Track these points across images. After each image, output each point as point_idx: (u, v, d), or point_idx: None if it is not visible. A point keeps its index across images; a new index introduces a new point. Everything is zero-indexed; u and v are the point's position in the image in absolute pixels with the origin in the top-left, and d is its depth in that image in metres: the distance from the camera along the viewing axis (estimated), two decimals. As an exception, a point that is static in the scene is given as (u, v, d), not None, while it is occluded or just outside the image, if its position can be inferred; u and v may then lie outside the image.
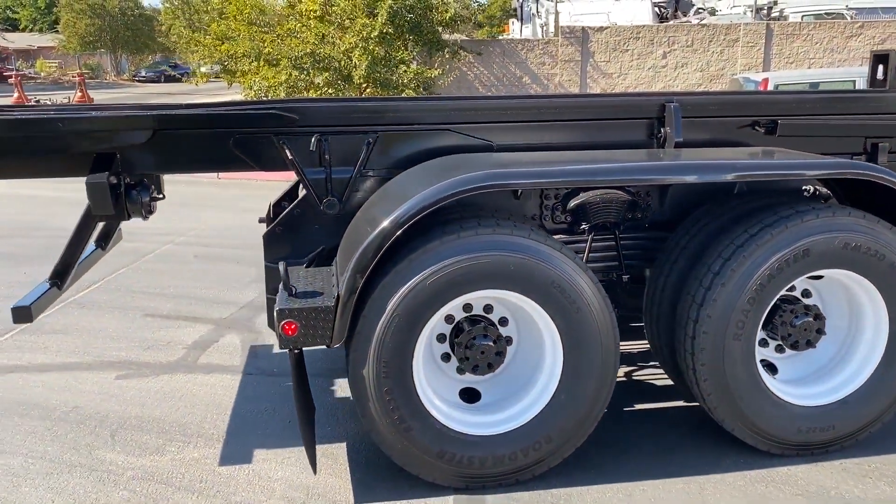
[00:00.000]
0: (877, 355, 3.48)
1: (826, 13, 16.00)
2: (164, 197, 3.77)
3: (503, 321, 3.38)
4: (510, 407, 3.32)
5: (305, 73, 12.28)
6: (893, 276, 3.35)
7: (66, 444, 3.75)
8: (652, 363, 4.49)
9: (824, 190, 4.02)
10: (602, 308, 3.19)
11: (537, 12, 16.93)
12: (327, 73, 12.62)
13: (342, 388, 4.36)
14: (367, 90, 12.83)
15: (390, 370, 3.08)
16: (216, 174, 12.60)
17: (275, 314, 3.03)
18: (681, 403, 4.05)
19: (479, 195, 3.11)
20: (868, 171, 3.30)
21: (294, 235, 3.71)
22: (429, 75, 12.76)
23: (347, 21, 12.61)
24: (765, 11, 16.67)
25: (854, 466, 3.43)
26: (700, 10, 16.50)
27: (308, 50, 12.06)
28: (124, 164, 3.51)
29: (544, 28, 16.75)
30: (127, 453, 3.66)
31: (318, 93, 12.96)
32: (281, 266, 3.13)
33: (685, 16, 16.88)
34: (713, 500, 3.20)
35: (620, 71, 15.21)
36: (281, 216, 3.71)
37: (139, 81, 51.18)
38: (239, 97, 14.44)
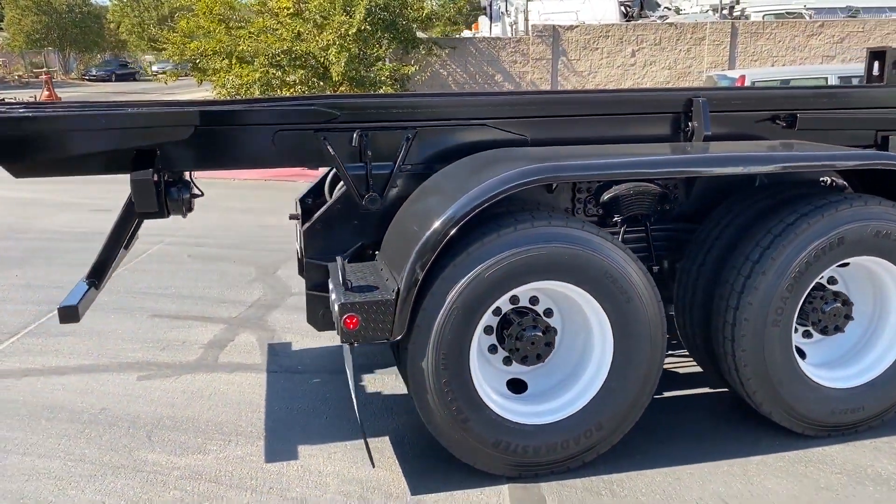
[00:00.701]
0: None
1: (786, 12, 16.46)
2: (202, 194, 3.74)
3: (548, 312, 3.44)
4: (560, 396, 3.39)
5: (282, 70, 12.18)
6: (908, 257, 3.52)
7: (102, 445, 3.70)
8: (674, 353, 4.60)
9: (841, 181, 4.18)
10: (651, 297, 3.28)
11: (506, 10, 17.06)
12: (303, 71, 12.54)
13: (371, 383, 4.37)
14: (342, 87, 12.78)
15: (448, 362, 3.12)
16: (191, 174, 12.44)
17: (335, 308, 3.04)
18: (707, 390, 4.17)
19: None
20: (884, 160, 3.46)
21: (334, 231, 3.72)
22: (404, 72, 12.77)
23: (321, 18, 12.53)
24: (727, 10, 17.07)
25: (885, 445, 3.58)
26: (667, 10, 16.82)
27: (285, 47, 11.96)
28: (164, 161, 3.48)
29: (514, 26, 16.88)
30: (168, 453, 3.62)
31: (292, 91, 12.87)
32: (339, 260, 3.15)
33: (650, 15, 17.18)
34: (758, 480, 3.31)
35: (591, 69, 15.42)
36: (321, 212, 3.71)
37: (89, 80, 49.94)
38: (211, 95, 14.24)
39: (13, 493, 3.30)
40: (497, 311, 3.33)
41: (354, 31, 11.75)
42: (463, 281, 3.05)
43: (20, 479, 3.40)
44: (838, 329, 3.65)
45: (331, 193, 4.27)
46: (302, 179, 11.90)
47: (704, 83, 12.01)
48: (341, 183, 3.93)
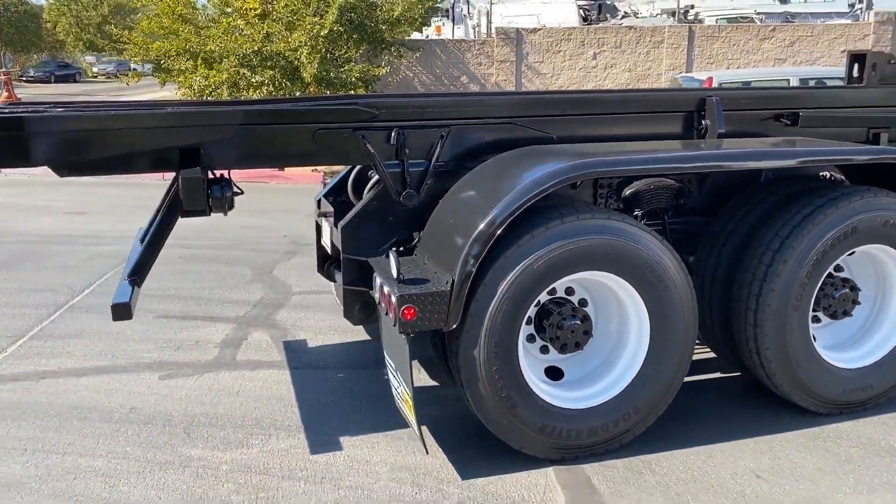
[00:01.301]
0: (901, 325, 3.92)
1: (739, 17, 17.08)
2: (242, 192, 3.78)
3: (582, 302, 3.60)
4: (598, 381, 3.55)
5: (252, 70, 12.12)
6: (916, 247, 3.80)
7: (141, 443, 3.71)
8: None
9: (839, 175, 4.45)
10: (684, 284, 3.47)
11: (469, 13, 17.27)
12: (272, 72, 12.49)
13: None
14: (311, 89, 12.77)
15: (499, 350, 3.25)
16: (161, 175, 12.27)
17: (393, 300, 3.13)
18: (719, 375, 4.39)
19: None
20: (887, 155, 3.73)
21: (370, 227, 3.81)
22: (375, 73, 12.83)
23: (291, 18, 12.50)
24: (682, 14, 17.61)
25: (891, 420, 3.85)
26: (626, 15, 17.26)
27: (255, 48, 11.91)
28: (206, 160, 3.52)
29: (476, 29, 17.10)
30: (211, 448, 3.66)
31: (260, 92, 12.82)
32: (392, 255, 3.24)
33: (608, 18, 17.62)
34: (784, 455, 3.53)
35: (553, 71, 15.72)
36: (358, 209, 3.80)
37: (27, 82, 48.38)
38: (176, 96, 14.05)
39: (63, 491, 3.30)
40: (537, 302, 3.48)
41: (326, 32, 11.76)
42: (514, 272, 3.19)
43: (67, 478, 3.40)
44: (846, 314, 3.90)
45: (354, 192, 4.35)
46: (274, 181, 11.88)
47: (670, 85, 12.39)
48: (373, 181, 4.02)
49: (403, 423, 3.79)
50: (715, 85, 10.06)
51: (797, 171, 4.16)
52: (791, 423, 3.80)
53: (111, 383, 4.41)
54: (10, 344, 5.02)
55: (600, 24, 16.54)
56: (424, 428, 3.81)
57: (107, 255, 7.23)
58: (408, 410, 3.36)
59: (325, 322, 5.41)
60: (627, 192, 3.96)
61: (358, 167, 4.39)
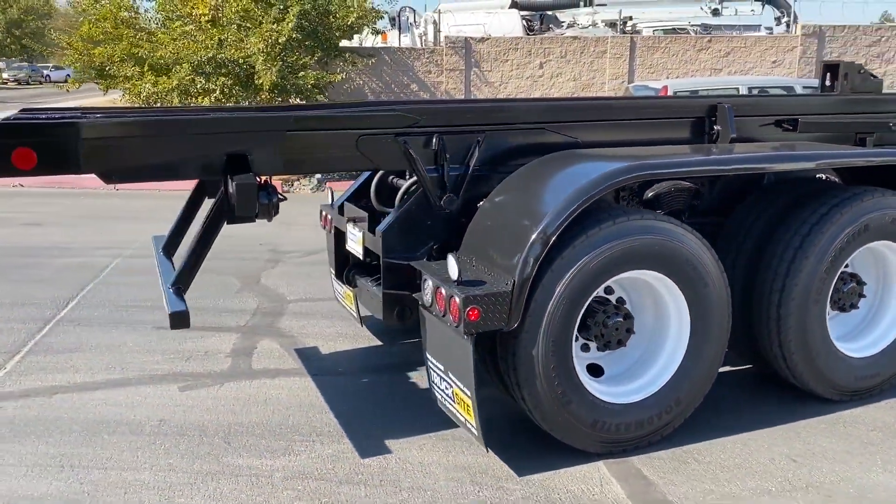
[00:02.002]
0: (903, 314, 4.22)
1: (675, 28, 17.74)
2: (286, 199, 3.76)
3: (620, 300, 3.73)
4: (640, 376, 3.69)
5: (206, 77, 11.89)
6: (918, 242, 4.10)
7: (183, 454, 3.64)
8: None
9: (833, 177, 4.75)
10: (720, 279, 3.65)
11: (415, 22, 17.38)
12: (225, 79, 12.29)
13: (420, 379, 4.51)
14: (263, 96, 12.61)
15: (556, 349, 3.34)
16: (114, 186, 11.92)
17: (457, 301, 3.18)
18: (728, 368, 4.59)
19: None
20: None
21: (409, 232, 3.85)
22: (330, 80, 12.78)
23: (243, 24, 12.33)
24: (621, 26, 18.15)
25: (903, 403, 4.15)
26: (571, 26, 17.67)
27: (211, 54, 11.69)
28: (256, 166, 3.50)
29: (423, 38, 17.21)
30: (257, 457, 3.62)
31: (209, 99, 12.60)
32: (451, 258, 3.28)
33: (553, 29, 18.00)
34: (812, 440, 3.75)
35: (502, 80, 15.97)
36: (398, 214, 3.84)
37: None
38: (122, 103, 13.62)
39: (117, 506, 3.22)
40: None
41: (284, 39, 11.65)
42: (571, 272, 3.29)
43: (117, 492, 3.31)
44: (853, 306, 4.17)
45: (378, 198, 4.37)
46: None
47: (624, 94, 12.77)
48: (406, 187, 4.06)
49: (445, 424, 3.86)
50: (670, 93, 10.46)
51: (801, 174, 4.41)
52: (810, 410, 4.03)
53: (130, 396, 4.29)
54: (8, 360, 4.82)
55: (546, 35, 16.89)
56: (461, 430, 3.87)
57: (78, 267, 7.00)
58: (463, 410, 3.41)
59: (331, 329, 5.40)
60: (650, 194, 4.12)
61: (380, 173, 4.42)
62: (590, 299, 3.46)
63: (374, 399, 4.28)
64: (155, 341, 5.17)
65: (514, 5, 18.07)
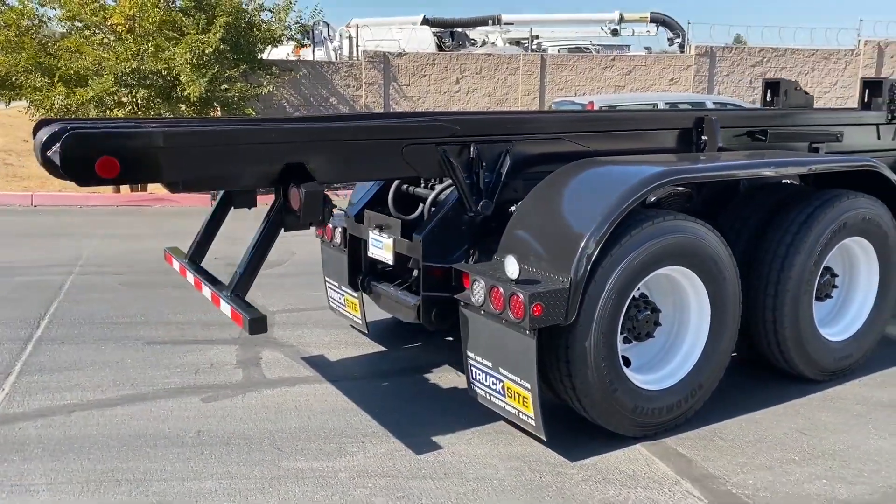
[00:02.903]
0: (870, 300, 4.77)
1: (578, 47, 18.67)
2: (336, 206, 3.84)
3: (643, 295, 4.06)
4: (666, 364, 4.02)
5: (130, 90, 11.51)
6: (883, 237, 4.66)
7: (238, 462, 3.65)
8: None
9: (797, 181, 5.29)
10: (734, 274, 4.04)
11: (329, 35, 17.40)
12: (145, 91, 11.93)
13: (440, 379, 4.67)
14: (184, 108, 12.33)
15: (606, 340, 3.62)
16: (31, 203, 11.33)
17: (521, 298, 3.38)
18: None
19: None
20: (874, 166, 4.57)
21: (447, 236, 4.04)
22: (256, 93, 12.66)
23: (164, 34, 12.02)
24: (527, 44, 18.89)
25: (869, 380, 4.69)
26: (485, 43, 18.22)
27: (134, 65, 11.33)
28: (315, 174, 3.58)
29: (338, 52, 17.26)
30: (315, 460, 3.68)
31: (125, 111, 12.20)
32: (512, 258, 3.49)
33: (466, 45, 18.52)
34: (811, 414, 4.20)
35: (420, 94, 16.26)
36: (437, 220, 4.01)
37: None
38: (29, 115, 12.88)
39: (194, 514, 3.21)
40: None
41: (211, 50, 11.45)
42: (619, 268, 3.58)
43: (188, 502, 3.30)
44: (828, 296, 4.69)
45: (395, 206, 4.51)
46: (158, 205, 11.36)
47: (548, 109, 13.32)
48: (436, 194, 4.24)
49: (484, 419, 4.05)
50: (596, 108, 11.06)
51: (772, 179, 4.91)
52: (800, 391, 4.49)
53: (154, 410, 4.22)
54: (1, 381, 4.60)
55: (462, 52, 17.34)
56: (501, 423, 4.08)
57: (34, 286, 6.69)
58: (516, 403, 3.63)
59: (328, 337, 5.46)
60: (652, 198, 4.49)
61: (396, 182, 4.57)
62: (633, 293, 3.76)
63: (402, 400, 4.40)
64: (152, 356, 5.07)
65: (425, 22, 18.46)
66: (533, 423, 3.58)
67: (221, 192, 4.21)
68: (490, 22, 19.06)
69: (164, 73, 11.74)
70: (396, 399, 4.42)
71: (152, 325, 5.73)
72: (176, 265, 4.36)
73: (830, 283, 4.66)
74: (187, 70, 11.52)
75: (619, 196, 3.58)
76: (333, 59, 17.39)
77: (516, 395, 3.63)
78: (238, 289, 3.59)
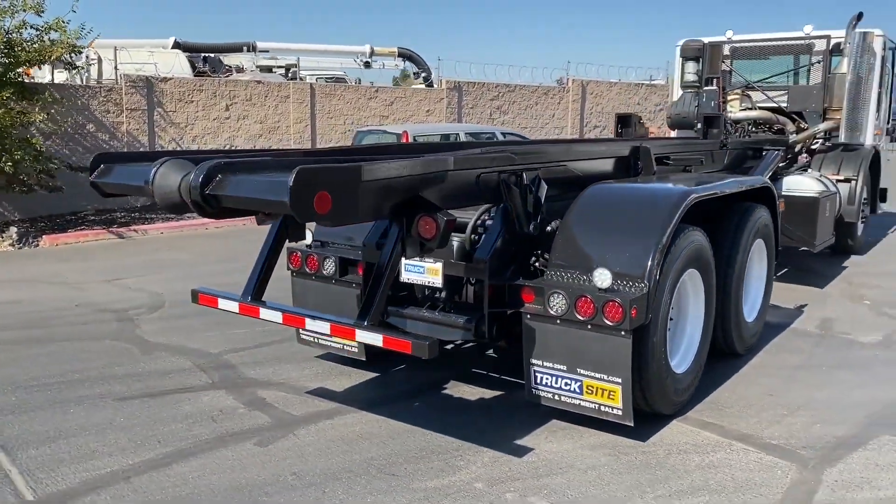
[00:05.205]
0: (762, 289, 6.08)
1: (333, 77, 19.18)
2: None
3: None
4: (680, 349, 4.79)
5: None
6: (769, 236, 5.98)
7: (372, 492, 3.63)
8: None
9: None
10: (713, 272, 4.97)
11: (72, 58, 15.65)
12: None
13: (467, 393, 4.95)
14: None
15: (664, 335, 4.29)
16: None
17: (619, 302, 3.90)
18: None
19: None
20: (766, 183, 5.87)
21: (503, 256, 4.40)
22: (29, 119, 11.22)
23: None
24: (281, 72, 18.94)
25: (772, 347, 5.95)
26: (240, 69, 17.78)
27: None
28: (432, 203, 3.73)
29: (83, 75, 15.65)
30: (437, 477, 3.79)
31: None
32: (605, 270, 3.99)
33: (215, 72, 17.92)
34: (762, 381, 5.25)
35: (188, 121, 15.49)
36: (495, 242, 4.34)
37: None
38: None
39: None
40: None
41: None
42: (672, 271, 4.29)
43: (369, 535, 3.27)
44: (741, 287, 5.89)
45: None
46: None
47: (354, 138, 13.54)
48: (478, 216, 4.56)
49: (541, 419, 4.48)
50: (411, 138, 11.72)
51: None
52: (737, 363, 5.58)
53: (216, 463, 3.94)
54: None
55: (230, 78, 16.81)
56: (556, 420, 4.53)
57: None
58: (598, 397, 4.13)
59: (314, 368, 5.41)
60: None
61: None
62: (675, 292, 4.48)
63: (452, 414, 4.60)
64: (144, 413, 4.60)
65: (176, 46, 17.59)
66: (620, 412, 4.10)
67: (276, 226, 4.10)
68: (245, 49, 18.73)
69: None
70: (445, 415, 4.59)
71: (101, 381, 5.12)
72: (229, 305, 4.09)
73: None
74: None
75: (668, 211, 4.29)
76: (78, 83, 15.79)
77: (598, 391, 4.13)
78: (373, 318, 3.60)
